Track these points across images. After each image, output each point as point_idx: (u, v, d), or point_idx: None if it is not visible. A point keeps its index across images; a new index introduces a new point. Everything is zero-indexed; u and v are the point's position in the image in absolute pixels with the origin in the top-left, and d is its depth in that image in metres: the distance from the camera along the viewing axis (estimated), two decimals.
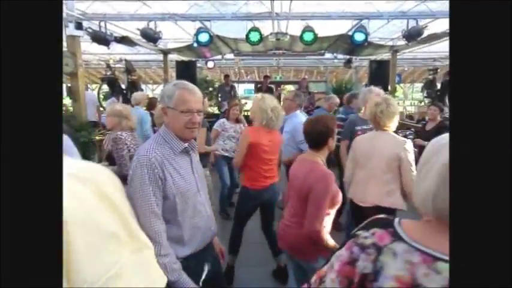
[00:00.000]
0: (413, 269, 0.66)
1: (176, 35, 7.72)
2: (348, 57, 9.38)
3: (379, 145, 2.32)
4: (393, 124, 2.37)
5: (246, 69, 13.68)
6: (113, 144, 2.56)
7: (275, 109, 2.61)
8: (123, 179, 1.20)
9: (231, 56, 10.00)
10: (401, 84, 12.94)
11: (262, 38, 5.43)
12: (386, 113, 2.32)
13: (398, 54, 9.29)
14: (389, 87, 7.58)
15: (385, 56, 9.25)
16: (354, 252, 0.75)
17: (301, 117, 3.27)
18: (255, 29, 5.37)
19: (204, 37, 5.41)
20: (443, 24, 6.47)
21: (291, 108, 3.32)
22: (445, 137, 0.72)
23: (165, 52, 8.32)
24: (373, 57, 9.01)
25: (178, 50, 8.05)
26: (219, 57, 9.57)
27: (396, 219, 0.77)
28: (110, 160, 2.63)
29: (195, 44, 5.81)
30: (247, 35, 5.39)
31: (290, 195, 1.95)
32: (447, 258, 0.64)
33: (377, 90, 3.10)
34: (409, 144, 2.26)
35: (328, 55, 9.48)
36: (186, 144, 1.45)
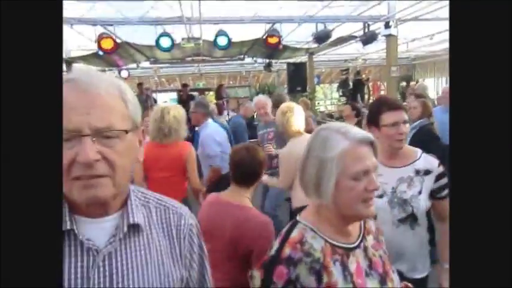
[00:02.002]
0: None
1: (81, 43, 6.90)
2: (267, 61, 9.54)
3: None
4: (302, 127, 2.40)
5: (167, 78, 13.03)
6: None
7: (168, 121, 2.32)
8: None
9: (148, 64, 9.40)
10: (321, 85, 13.71)
11: (174, 44, 5.09)
12: (293, 119, 2.33)
13: (314, 56, 9.81)
14: (308, 88, 7.89)
15: (302, 58, 9.67)
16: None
17: (212, 127, 3.05)
18: (165, 34, 5.01)
19: (108, 43, 4.85)
20: (349, 28, 6.97)
21: (198, 119, 3.08)
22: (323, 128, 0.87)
23: (68, 61, 7.38)
24: (291, 61, 9.33)
25: (83, 59, 7.21)
26: (134, 65, 8.88)
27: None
28: None
29: (100, 52, 5.21)
30: (157, 41, 5.00)
31: (209, 248, 1.51)
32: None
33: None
34: None
35: (248, 59, 9.52)
36: None
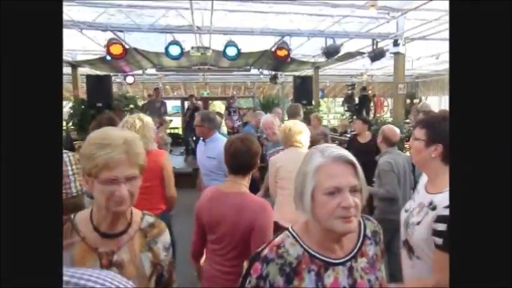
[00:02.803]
0: None
1: (87, 47, 6.91)
2: (273, 73, 9.57)
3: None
4: (304, 141, 2.48)
5: (172, 85, 13.07)
6: None
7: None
8: None
9: (153, 71, 9.41)
10: (325, 99, 13.75)
11: (183, 52, 5.08)
12: (294, 130, 2.45)
13: (320, 70, 9.86)
14: (313, 102, 7.88)
15: (308, 72, 9.71)
16: None
17: (222, 140, 2.99)
18: (175, 42, 5.01)
19: (116, 49, 4.84)
20: (356, 44, 7.01)
21: (205, 133, 3.00)
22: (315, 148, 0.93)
23: (73, 65, 7.38)
24: (297, 73, 9.36)
25: (89, 63, 7.21)
26: (140, 72, 8.89)
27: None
28: None
29: (108, 57, 5.20)
30: (166, 49, 5.00)
31: (214, 239, 1.60)
32: None
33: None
34: None
35: (254, 71, 9.55)
36: None
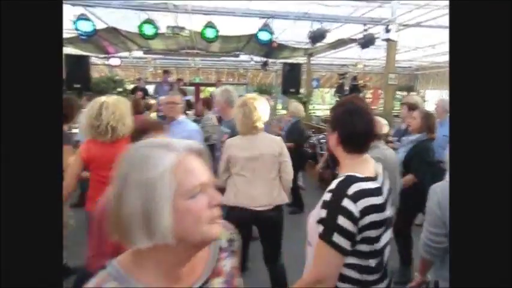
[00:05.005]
0: None
1: (67, 24, 6.60)
2: (264, 59, 9.24)
3: (260, 146, 2.27)
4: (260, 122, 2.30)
5: (165, 70, 12.74)
6: None
7: (104, 118, 2.03)
8: None
9: (142, 54, 9.12)
10: (321, 89, 13.40)
11: (157, 33, 4.79)
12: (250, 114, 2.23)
13: (313, 58, 9.50)
14: (301, 90, 7.58)
15: (301, 60, 9.36)
16: None
17: (187, 122, 3.02)
18: (148, 21, 4.71)
19: (84, 26, 4.56)
20: (350, 30, 6.66)
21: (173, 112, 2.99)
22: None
23: None
24: (289, 61, 9.02)
25: (69, 41, 6.91)
26: (127, 54, 8.59)
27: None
28: None
29: (83, 36, 4.92)
30: (140, 28, 4.70)
31: None
32: None
33: None
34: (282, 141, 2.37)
35: (244, 57, 9.23)
36: None
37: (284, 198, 2.30)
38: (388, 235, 1.24)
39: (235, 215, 2.27)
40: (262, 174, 2.23)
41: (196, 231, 0.64)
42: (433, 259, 1.56)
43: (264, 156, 2.22)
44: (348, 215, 1.07)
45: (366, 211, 1.09)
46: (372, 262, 1.16)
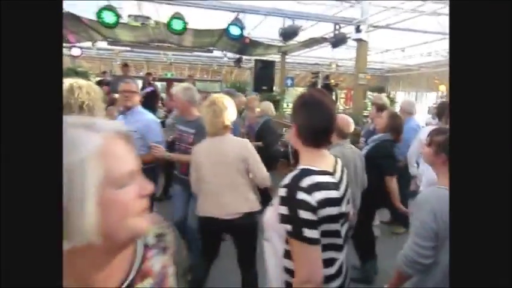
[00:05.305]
0: None
1: None
2: (238, 56, 9.06)
3: (225, 149, 2.10)
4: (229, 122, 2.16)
5: (135, 64, 12.23)
6: None
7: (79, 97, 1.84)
8: None
9: (112, 45, 8.65)
10: (295, 88, 13.41)
11: (118, 21, 4.49)
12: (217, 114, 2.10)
13: (289, 57, 9.44)
14: (274, 88, 7.48)
15: (276, 57, 9.26)
16: None
17: (144, 111, 2.78)
18: (108, 8, 4.39)
19: None
20: (323, 29, 6.62)
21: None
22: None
23: None
24: (265, 59, 8.89)
25: None
26: (90, 44, 8.11)
27: None
28: None
29: None
30: (98, 15, 4.38)
31: None
32: None
33: None
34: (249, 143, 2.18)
35: (218, 53, 9.01)
36: None
37: (253, 206, 2.10)
38: (345, 230, 1.24)
39: (205, 224, 2.15)
40: (228, 181, 2.06)
41: (122, 226, 0.56)
42: (414, 274, 1.46)
43: (228, 160, 2.05)
44: (306, 206, 1.07)
45: (323, 203, 1.08)
46: (329, 255, 1.15)
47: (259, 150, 2.36)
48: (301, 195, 1.07)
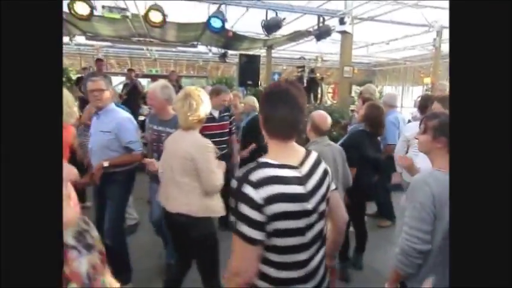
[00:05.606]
0: None
1: None
2: (223, 51, 8.89)
3: (181, 145, 2.01)
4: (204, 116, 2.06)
5: (118, 60, 11.92)
6: None
7: None
8: None
9: (91, 40, 8.35)
10: None
11: (92, 13, 4.28)
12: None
13: (275, 51, 9.30)
14: (260, 83, 7.35)
15: (262, 52, 9.12)
16: None
17: (118, 110, 2.64)
18: None
19: None
20: (308, 22, 6.51)
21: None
22: None
23: None
24: (251, 53, 8.74)
25: None
26: (67, 39, 7.80)
27: None
28: None
29: None
30: (69, 6, 4.16)
31: None
32: None
33: None
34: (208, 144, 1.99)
35: (202, 48, 8.82)
36: None
37: (192, 210, 1.95)
38: (317, 229, 1.14)
39: (164, 217, 2.13)
40: (175, 176, 1.97)
41: None
42: (412, 270, 1.37)
43: (177, 155, 1.96)
44: (249, 202, 1.02)
45: (272, 199, 1.02)
46: (293, 257, 1.10)
47: (254, 151, 2.22)
48: (247, 189, 1.03)
